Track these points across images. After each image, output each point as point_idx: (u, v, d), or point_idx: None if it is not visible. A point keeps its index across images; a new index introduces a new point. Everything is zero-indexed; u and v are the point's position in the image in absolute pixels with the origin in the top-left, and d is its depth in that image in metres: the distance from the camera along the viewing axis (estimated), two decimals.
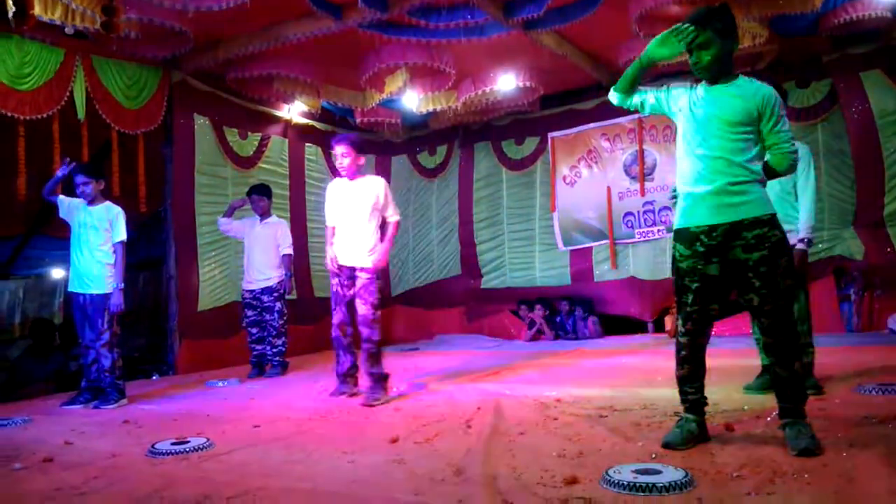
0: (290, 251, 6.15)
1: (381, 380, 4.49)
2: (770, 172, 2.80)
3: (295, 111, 7.97)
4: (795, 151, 2.79)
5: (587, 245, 8.47)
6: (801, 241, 3.75)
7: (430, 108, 7.86)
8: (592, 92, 8.15)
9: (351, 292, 4.53)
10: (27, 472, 3.05)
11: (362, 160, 4.62)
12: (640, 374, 4.96)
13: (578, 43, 6.89)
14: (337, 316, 4.56)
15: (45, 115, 5.60)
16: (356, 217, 4.53)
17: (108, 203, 4.92)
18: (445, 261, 9.53)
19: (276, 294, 6.06)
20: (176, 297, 6.67)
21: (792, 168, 2.81)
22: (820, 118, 7.23)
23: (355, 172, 4.59)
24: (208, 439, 3.38)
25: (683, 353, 2.87)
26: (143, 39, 5.91)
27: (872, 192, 6.92)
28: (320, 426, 3.73)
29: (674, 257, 2.90)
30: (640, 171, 8.07)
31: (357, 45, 6.31)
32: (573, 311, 8.36)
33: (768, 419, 3.10)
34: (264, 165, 7.78)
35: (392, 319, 9.53)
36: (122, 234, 4.86)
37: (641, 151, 8.04)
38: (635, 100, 3.02)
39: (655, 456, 2.65)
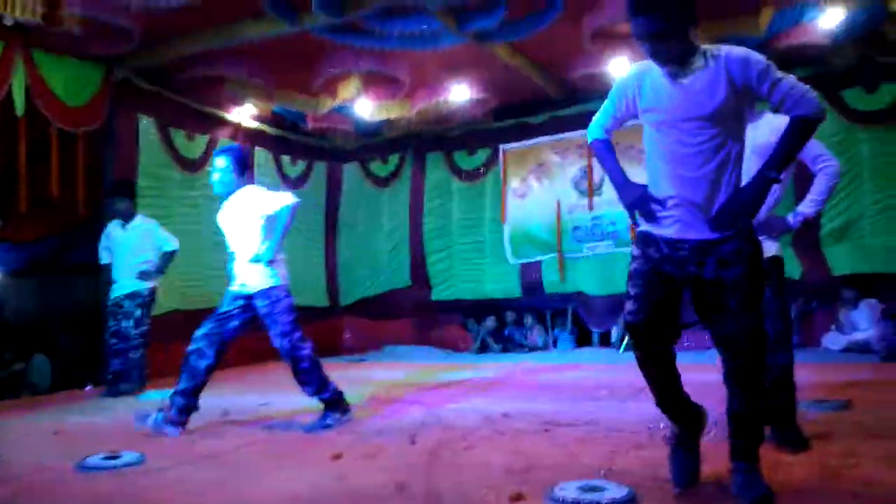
0: (173, 246, 5.73)
1: None
2: None
3: (245, 114, 7.81)
4: None
5: (537, 258, 8.52)
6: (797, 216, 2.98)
7: (384, 117, 7.81)
8: (544, 105, 8.23)
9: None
10: None
11: (241, 174, 4.03)
12: (585, 389, 4.99)
13: (531, 56, 6.94)
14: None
15: None
16: (243, 235, 3.97)
17: None
18: (395, 271, 9.44)
19: (139, 300, 5.59)
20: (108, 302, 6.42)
21: None
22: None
23: (231, 188, 4.00)
24: (142, 454, 3.25)
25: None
26: (87, 35, 5.70)
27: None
28: (258, 441, 3.63)
29: None
30: (590, 185, 8.18)
31: (311, 49, 6.23)
32: (522, 324, 8.39)
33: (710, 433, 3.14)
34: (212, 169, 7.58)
35: (339, 329, 9.42)
36: None
37: (591, 166, 8.15)
38: None
39: (603, 473, 2.64)
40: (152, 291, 5.67)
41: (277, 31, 5.78)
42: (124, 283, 5.61)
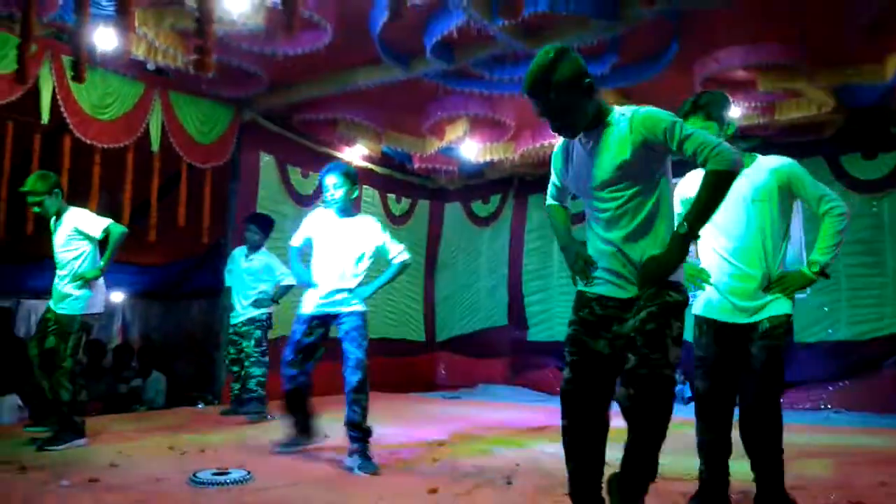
0: (291, 282, 5.67)
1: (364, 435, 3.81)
2: None
3: (356, 154, 8.16)
4: None
5: None
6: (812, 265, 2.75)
7: (488, 158, 7.95)
8: None
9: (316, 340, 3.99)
10: (73, 490, 3.12)
11: (356, 194, 4.09)
12: (690, 441, 4.78)
13: (639, 102, 6.87)
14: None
15: (121, 145, 5.88)
16: (342, 257, 3.95)
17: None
18: (492, 310, 9.47)
19: (257, 324, 5.71)
20: (227, 328, 6.77)
21: None
22: (886, 191, 7.03)
23: (349, 208, 4.03)
24: (249, 472, 3.40)
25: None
26: (220, 79, 6.20)
27: None
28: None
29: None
30: None
31: (421, 93, 6.46)
32: None
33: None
34: (321, 205, 7.94)
35: (434, 365, 9.51)
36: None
37: None
38: None
39: None
40: (269, 316, 5.80)
41: (391, 76, 6.04)
42: (241, 310, 5.79)
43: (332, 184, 3.95)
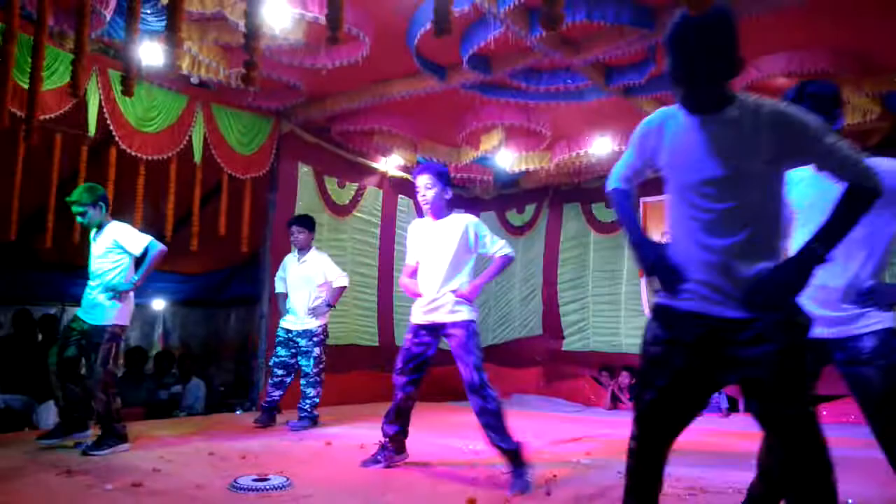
0: (343, 283, 5.74)
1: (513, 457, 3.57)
2: None
3: (391, 164, 8.23)
4: None
5: None
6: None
7: (523, 168, 7.95)
8: None
9: (429, 351, 3.85)
10: (117, 494, 3.19)
11: (449, 194, 3.94)
12: (733, 454, 4.70)
13: None
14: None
15: (165, 157, 6.02)
16: (440, 261, 3.82)
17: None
18: (526, 319, 9.45)
19: (315, 339, 5.65)
20: (266, 336, 6.86)
21: None
22: None
23: (441, 209, 3.91)
24: (288, 479, 3.44)
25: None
26: (261, 92, 6.33)
27: None
28: (398, 477, 3.73)
29: None
30: None
31: (456, 103, 6.50)
32: None
33: None
34: (358, 214, 8.04)
35: None
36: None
37: None
38: None
39: None
40: (325, 328, 5.72)
41: (427, 87, 6.08)
42: (297, 317, 5.69)
43: (424, 184, 3.84)
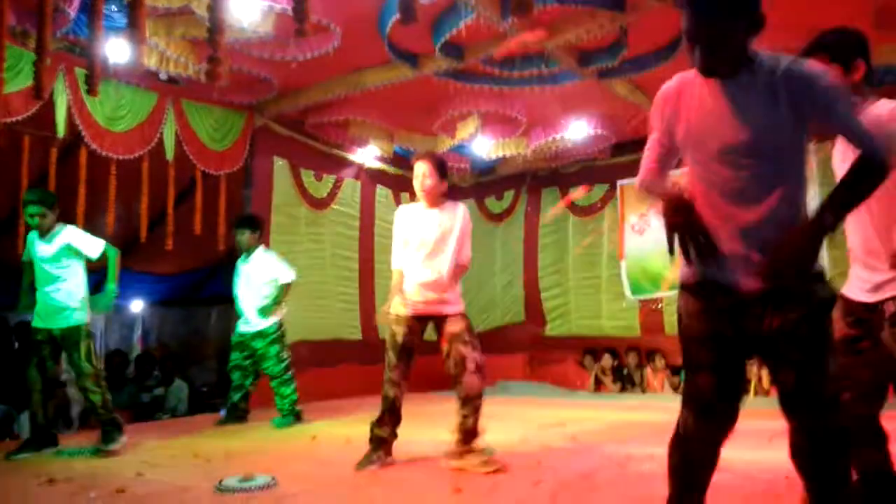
0: (287, 279, 5.58)
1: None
2: None
3: (368, 155, 8.17)
4: None
5: (657, 295, 8.27)
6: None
7: (500, 154, 7.94)
8: None
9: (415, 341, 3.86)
10: (101, 502, 3.14)
11: (445, 184, 3.91)
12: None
13: (651, 93, 6.83)
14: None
15: (136, 156, 5.92)
16: (438, 251, 3.80)
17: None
18: (509, 306, 9.46)
19: (269, 338, 5.55)
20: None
21: None
22: None
23: (437, 197, 3.87)
24: (274, 478, 3.41)
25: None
26: (232, 86, 6.22)
27: None
28: (383, 470, 3.71)
29: None
30: None
31: (431, 91, 6.45)
32: (641, 364, 8.14)
33: None
34: (336, 207, 7.97)
35: None
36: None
37: None
38: None
39: None
40: (279, 326, 5.60)
41: (400, 76, 6.04)
42: (247, 319, 5.60)
43: (423, 171, 3.81)
